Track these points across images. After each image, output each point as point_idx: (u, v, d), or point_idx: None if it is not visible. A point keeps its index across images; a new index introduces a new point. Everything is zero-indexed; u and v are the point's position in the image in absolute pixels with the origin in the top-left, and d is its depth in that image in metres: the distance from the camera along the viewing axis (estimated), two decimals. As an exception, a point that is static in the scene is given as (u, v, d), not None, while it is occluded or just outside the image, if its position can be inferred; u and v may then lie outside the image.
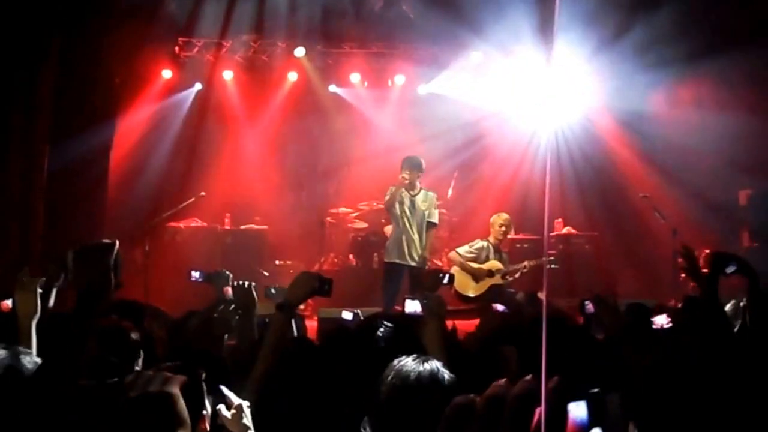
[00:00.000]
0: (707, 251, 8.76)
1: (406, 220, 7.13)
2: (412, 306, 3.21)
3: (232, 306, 3.59)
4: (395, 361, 2.06)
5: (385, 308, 6.72)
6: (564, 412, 2.09)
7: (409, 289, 6.88)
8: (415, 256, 7.12)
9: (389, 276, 7.21)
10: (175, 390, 1.45)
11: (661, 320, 3.72)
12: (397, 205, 7.13)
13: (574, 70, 9.92)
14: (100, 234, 8.25)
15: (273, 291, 4.03)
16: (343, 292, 7.16)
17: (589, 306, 4.13)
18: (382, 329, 2.74)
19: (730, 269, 3.40)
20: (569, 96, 10.27)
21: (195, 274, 4.00)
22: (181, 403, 1.45)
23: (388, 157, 9.74)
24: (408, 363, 2.04)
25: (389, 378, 2.01)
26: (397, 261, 7.12)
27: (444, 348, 2.67)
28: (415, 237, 7.15)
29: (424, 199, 7.21)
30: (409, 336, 2.69)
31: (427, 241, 7.24)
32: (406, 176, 7.02)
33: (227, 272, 3.90)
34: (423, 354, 2.27)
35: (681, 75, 9.51)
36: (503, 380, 2.08)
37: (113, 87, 8.76)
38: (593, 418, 2.29)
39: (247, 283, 3.39)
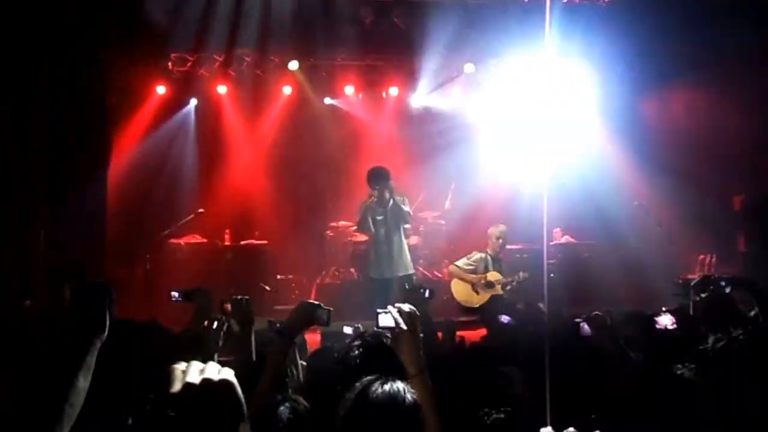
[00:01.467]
0: (702, 256, 9.06)
1: (383, 232, 7.16)
2: (385, 320, 3.10)
3: (217, 323, 3.66)
4: (358, 382, 2.05)
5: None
6: None
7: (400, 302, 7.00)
8: (400, 267, 7.18)
9: (374, 292, 7.21)
10: (233, 378, 1.44)
11: (665, 321, 3.78)
12: (370, 221, 7.14)
13: (567, 79, 10.20)
14: (101, 254, 8.43)
15: (278, 325, 4.05)
16: (345, 305, 7.31)
17: (585, 327, 4.16)
18: (356, 349, 2.74)
19: (727, 289, 3.64)
20: (563, 104, 10.56)
21: (174, 294, 3.90)
22: (240, 391, 1.44)
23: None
24: (368, 383, 2.02)
25: (348, 398, 2.00)
26: (377, 277, 7.21)
27: (422, 362, 2.59)
28: (395, 247, 7.19)
29: (395, 206, 7.17)
30: (386, 352, 2.65)
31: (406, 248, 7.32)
32: (375, 194, 7.05)
33: (205, 288, 3.88)
34: (398, 370, 2.26)
35: (673, 82, 9.79)
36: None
37: (108, 105, 8.91)
38: None
39: (244, 298, 3.39)
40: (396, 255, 7.20)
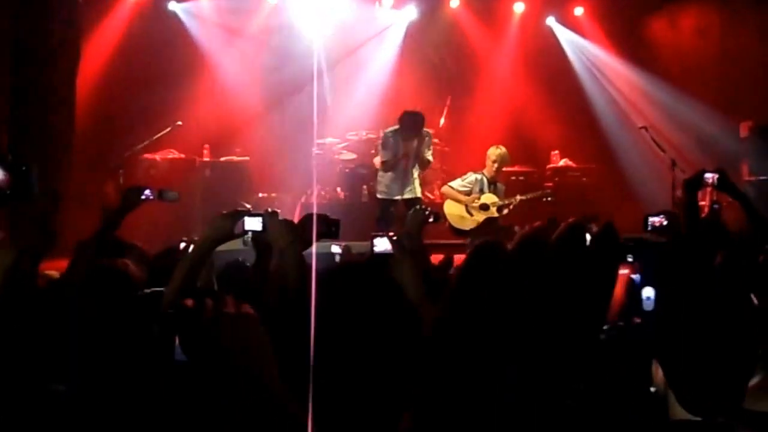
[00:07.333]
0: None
1: (401, 160, 7.37)
2: (382, 244, 3.12)
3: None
4: None
5: None
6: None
7: (383, 223, 7.14)
8: (409, 193, 7.42)
9: (385, 213, 7.49)
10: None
11: (656, 219, 3.96)
12: (391, 153, 7.39)
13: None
14: (67, 169, 8.30)
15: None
16: (332, 225, 7.30)
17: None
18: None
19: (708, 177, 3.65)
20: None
21: (147, 192, 3.82)
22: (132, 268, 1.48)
23: (376, 83, 9.79)
24: None
25: None
26: (391, 198, 7.43)
27: (422, 286, 2.62)
28: (411, 174, 7.43)
29: (419, 142, 7.42)
30: (380, 276, 2.73)
31: (420, 179, 7.57)
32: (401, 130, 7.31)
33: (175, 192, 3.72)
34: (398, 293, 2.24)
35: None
36: None
37: (77, 8, 8.61)
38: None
39: (285, 219, 2.89)
40: (409, 181, 7.42)
